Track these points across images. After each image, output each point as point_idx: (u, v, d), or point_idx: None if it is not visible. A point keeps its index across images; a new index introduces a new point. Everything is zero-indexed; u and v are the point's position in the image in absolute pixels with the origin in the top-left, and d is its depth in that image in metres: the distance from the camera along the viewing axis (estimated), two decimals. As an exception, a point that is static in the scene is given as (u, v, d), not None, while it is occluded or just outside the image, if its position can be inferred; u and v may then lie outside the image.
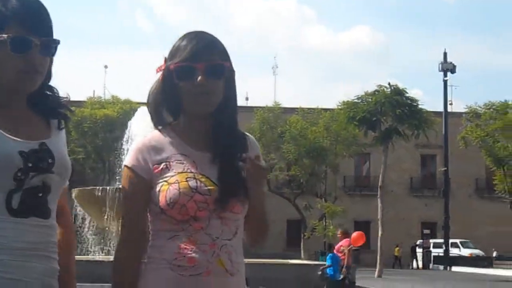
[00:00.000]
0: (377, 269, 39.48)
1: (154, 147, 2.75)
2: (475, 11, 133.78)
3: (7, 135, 2.42)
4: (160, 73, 2.80)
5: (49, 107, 2.68)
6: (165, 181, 2.65)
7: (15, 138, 2.43)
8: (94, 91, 63.19)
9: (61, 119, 2.71)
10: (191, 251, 2.59)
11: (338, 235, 25.23)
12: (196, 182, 2.64)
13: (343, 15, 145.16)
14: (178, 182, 2.63)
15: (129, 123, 33.88)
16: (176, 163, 2.70)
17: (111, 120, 47.15)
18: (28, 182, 2.41)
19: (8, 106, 2.55)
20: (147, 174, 2.70)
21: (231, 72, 2.82)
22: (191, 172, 2.67)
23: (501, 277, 41.58)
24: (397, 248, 57.59)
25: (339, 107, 45.33)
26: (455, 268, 50.74)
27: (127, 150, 30.15)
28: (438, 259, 55.60)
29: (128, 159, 2.78)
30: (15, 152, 2.40)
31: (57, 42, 2.60)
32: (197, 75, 2.65)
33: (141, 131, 28.68)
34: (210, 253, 2.60)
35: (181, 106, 2.78)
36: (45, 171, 2.47)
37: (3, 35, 2.43)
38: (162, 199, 2.63)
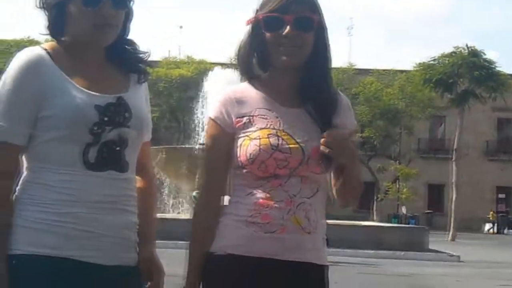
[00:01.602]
0: (450, 233, 39.42)
1: (239, 100, 2.78)
2: None
3: (82, 88, 2.50)
4: (250, 25, 2.83)
5: (129, 61, 2.73)
6: (247, 135, 2.68)
7: (90, 92, 2.50)
8: (169, 51, 63.04)
9: (140, 74, 2.75)
10: (267, 207, 2.63)
11: None
12: (278, 140, 2.65)
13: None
14: (260, 138, 2.65)
15: (203, 83, 35.21)
16: (260, 118, 2.72)
17: (185, 80, 47.47)
18: (105, 135, 2.49)
19: (85, 60, 2.61)
20: (230, 127, 2.72)
21: (322, 26, 2.77)
22: (274, 129, 2.68)
23: None
24: (491, 213, 57.16)
25: (415, 68, 45.49)
26: None
27: (201, 109, 30.72)
28: None
29: (212, 111, 2.83)
30: (90, 106, 2.47)
31: None
32: (285, 27, 2.66)
33: (215, 92, 29.59)
34: (286, 210, 2.62)
35: (269, 59, 2.79)
36: (121, 125, 2.54)
37: None
38: (242, 154, 2.67)
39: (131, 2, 2.63)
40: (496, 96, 42.94)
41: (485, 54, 42.11)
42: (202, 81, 35.94)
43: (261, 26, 2.68)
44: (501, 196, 63.13)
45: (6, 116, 2.38)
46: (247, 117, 2.68)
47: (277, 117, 2.68)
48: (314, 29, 2.67)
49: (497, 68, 42.26)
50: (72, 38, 2.53)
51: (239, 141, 2.66)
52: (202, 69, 46.35)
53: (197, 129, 32.84)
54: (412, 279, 15.19)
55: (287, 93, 2.75)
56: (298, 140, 2.62)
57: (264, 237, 2.59)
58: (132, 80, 2.67)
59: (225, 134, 2.69)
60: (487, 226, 57.09)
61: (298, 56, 2.67)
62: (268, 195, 2.61)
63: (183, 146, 26.98)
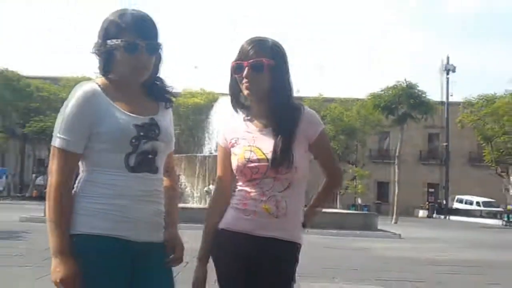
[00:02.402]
0: (393, 217, 39.29)
1: (231, 129, 2.90)
2: (471, 20, 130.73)
3: (125, 111, 2.53)
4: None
5: (158, 92, 2.74)
6: (234, 153, 2.82)
7: (131, 114, 2.54)
8: (186, 84, 60.44)
9: (167, 102, 2.77)
10: (246, 199, 2.77)
11: None
12: (250, 154, 2.76)
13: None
14: (239, 154, 2.79)
15: (212, 109, 34.84)
16: (242, 139, 2.82)
17: (199, 106, 46.57)
18: (141, 146, 2.53)
19: (128, 92, 2.62)
20: (227, 147, 2.87)
21: (277, 67, 2.77)
22: (249, 145, 2.78)
23: (488, 224, 41.78)
24: (427, 202, 57.39)
25: (368, 97, 44.82)
26: (453, 218, 50.29)
27: (210, 128, 30.69)
28: (439, 210, 55.05)
29: (218, 138, 3.01)
30: (130, 124, 2.51)
31: (160, 45, 2.66)
32: (243, 70, 2.73)
33: (221, 116, 30.85)
34: (259, 201, 2.73)
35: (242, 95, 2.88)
36: (153, 139, 2.57)
37: (119, 41, 2.52)
38: (233, 165, 2.82)
39: (160, 50, 2.65)
40: (426, 117, 42.94)
41: (418, 86, 41.73)
42: (211, 107, 35.93)
43: (233, 71, 2.77)
44: (431, 190, 63.38)
45: (70, 132, 2.44)
46: (235, 140, 2.81)
47: (253, 137, 2.76)
48: (267, 70, 2.70)
49: (427, 97, 42.00)
50: (117, 76, 2.60)
51: (232, 157, 2.80)
52: (211, 98, 46.13)
53: (207, 142, 32.67)
54: (366, 252, 15.23)
55: (261, 116, 2.80)
56: (265, 152, 2.70)
57: (243, 218, 2.73)
58: (161, 106, 2.72)
59: (226, 152, 2.85)
60: (421, 212, 56.96)
61: (255, 90, 2.73)
62: (249, 190, 2.74)
63: (197, 155, 27.14)
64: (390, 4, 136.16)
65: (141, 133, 2.51)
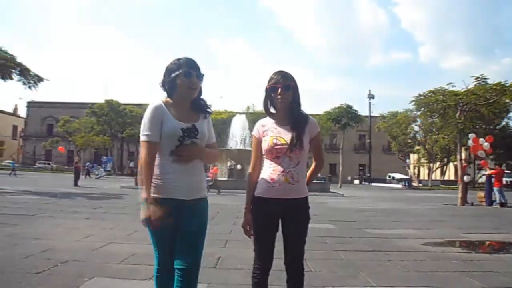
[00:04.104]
0: (339, 184, 39.78)
1: (262, 125, 2.71)
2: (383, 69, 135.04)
3: (176, 120, 2.40)
4: (265, 91, 2.68)
5: (201, 107, 2.54)
6: (265, 139, 2.65)
7: (179, 121, 2.41)
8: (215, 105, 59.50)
9: (205, 113, 2.56)
10: (272, 173, 2.61)
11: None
12: (277, 140, 2.60)
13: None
14: (269, 140, 2.62)
15: (231, 123, 34.24)
16: (271, 131, 2.66)
17: (223, 120, 44.96)
18: (185, 142, 2.41)
19: (181, 105, 2.46)
20: (260, 137, 2.69)
21: (295, 87, 2.64)
22: (276, 135, 2.62)
23: (394, 187, 43.01)
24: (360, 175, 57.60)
25: (324, 113, 45.33)
26: (374, 184, 51.22)
27: (230, 135, 30.90)
28: (366, 180, 56.18)
29: (254, 132, 2.76)
30: (178, 128, 2.39)
31: (203, 75, 2.49)
32: (277, 90, 2.61)
33: (236, 129, 31.98)
34: (281, 175, 2.58)
35: (275, 105, 2.68)
36: (193, 137, 2.43)
37: (180, 71, 2.41)
38: (263, 148, 2.64)
39: (203, 78, 2.48)
40: (358, 125, 44.16)
41: (353, 107, 43.09)
42: (231, 121, 35.35)
43: (269, 91, 2.64)
44: (361, 168, 64.29)
45: (150, 130, 2.34)
46: (265, 131, 2.67)
47: (278, 130, 2.64)
48: (291, 89, 2.62)
49: (359, 113, 43.22)
50: (178, 96, 2.47)
51: (263, 142, 2.66)
52: (231, 115, 44.48)
53: (229, 142, 32.15)
54: (323, 204, 15.23)
55: (283, 119, 2.66)
56: (286, 140, 2.60)
57: (271, 188, 2.60)
58: (201, 116, 2.53)
59: (258, 141, 2.68)
60: (356, 181, 57.85)
61: (285, 103, 2.63)
62: (274, 166, 2.62)
63: (223, 149, 26.75)
64: (326, 61, 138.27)
65: (185, 134, 2.41)
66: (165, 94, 2.51)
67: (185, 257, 2.35)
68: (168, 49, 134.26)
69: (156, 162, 2.39)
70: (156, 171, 2.37)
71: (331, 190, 26.18)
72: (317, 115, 46.13)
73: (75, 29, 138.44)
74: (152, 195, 2.31)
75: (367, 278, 4.50)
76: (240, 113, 40.53)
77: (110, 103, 57.90)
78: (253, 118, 33.20)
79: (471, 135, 18.42)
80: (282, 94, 2.60)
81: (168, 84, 2.46)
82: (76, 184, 23.38)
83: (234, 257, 5.21)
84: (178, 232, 2.39)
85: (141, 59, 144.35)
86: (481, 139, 18.37)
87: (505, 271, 5.07)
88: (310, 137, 2.66)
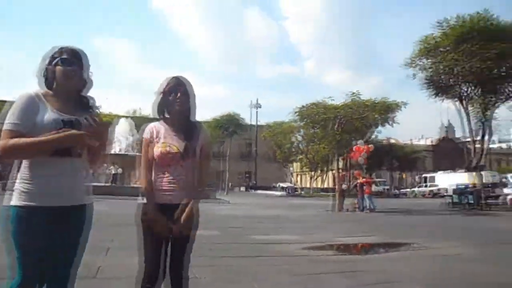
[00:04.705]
0: (226, 191, 40.43)
1: (155, 129, 2.63)
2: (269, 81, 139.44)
3: (56, 110, 2.17)
4: (161, 94, 2.61)
5: (83, 104, 2.32)
6: (157, 146, 2.58)
7: (61, 113, 2.18)
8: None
9: (88, 111, 2.32)
10: (164, 180, 2.59)
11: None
12: (170, 147, 2.56)
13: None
14: (161, 147, 2.57)
15: (115, 127, 29.18)
16: (163, 137, 2.60)
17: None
18: None
19: (61, 97, 2.24)
20: (151, 140, 2.61)
21: (193, 95, 2.63)
22: (168, 142, 2.59)
23: (279, 194, 43.37)
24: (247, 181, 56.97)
25: (212, 120, 44.73)
26: (259, 191, 51.15)
27: (115, 140, 27.01)
28: (252, 187, 56.30)
29: (144, 134, 2.65)
30: (59, 120, 2.12)
31: (88, 66, 2.31)
32: (177, 93, 2.58)
33: (120, 133, 29.39)
34: (173, 182, 2.55)
35: (169, 109, 2.64)
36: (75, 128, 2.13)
37: (59, 58, 2.22)
38: (155, 153, 2.57)
39: (89, 70, 2.30)
40: (244, 133, 45.47)
41: (240, 115, 44.48)
42: (115, 125, 30.46)
43: (167, 94, 2.61)
44: (247, 175, 63.81)
45: (19, 119, 2.06)
46: (157, 137, 2.60)
47: (171, 137, 2.60)
48: (190, 96, 2.62)
49: (245, 121, 44.75)
50: (57, 85, 2.24)
51: (155, 147, 2.59)
52: (114, 118, 37.31)
53: (113, 146, 28.33)
54: (209, 211, 14.82)
55: (176, 125, 2.63)
56: (179, 148, 2.57)
57: (163, 195, 2.56)
58: (85, 114, 2.26)
59: (150, 143, 2.61)
60: (242, 188, 57.37)
61: (183, 107, 2.61)
62: (165, 174, 2.58)
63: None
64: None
65: (67, 126, 2.14)
66: (43, 85, 2.27)
67: (60, 270, 2.19)
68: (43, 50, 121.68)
69: (26, 162, 2.10)
70: (25, 173, 2.09)
71: (217, 197, 26.43)
72: (206, 121, 46.39)
73: None
74: (22, 203, 2.05)
75: (252, 283, 4.66)
76: (126, 117, 38.09)
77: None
78: (139, 122, 31.89)
79: (360, 142, 20.29)
80: (181, 98, 2.58)
81: (47, 72, 2.23)
82: None
83: (115, 266, 5.11)
84: (53, 243, 2.13)
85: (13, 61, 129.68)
86: (362, 147, 19.91)
87: (373, 270, 5.68)
88: (201, 145, 2.64)
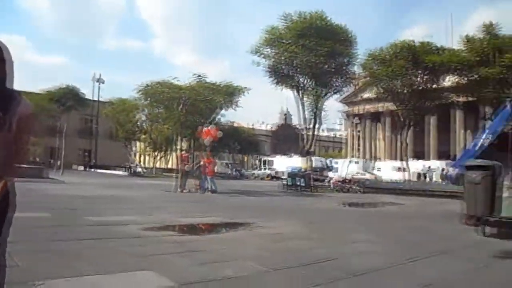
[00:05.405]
0: (61, 170, 36.10)
1: None
2: None
3: None
4: None
5: None
6: None
7: None
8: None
9: None
10: None
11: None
12: None
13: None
14: None
15: None
16: None
17: None
18: None
19: None
20: None
21: (10, 61, 2.25)
22: None
23: (119, 174, 42.36)
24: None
25: (45, 93, 42.97)
26: (99, 170, 48.73)
27: None
28: (92, 166, 53.54)
29: None
30: None
31: None
32: None
33: None
34: None
35: None
36: None
37: None
38: None
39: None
40: (84, 109, 44.22)
41: (80, 90, 42.44)
42: None
43: None
44: (86, 154, 59.41)
45: None
46: None
47: None
48: (4, 62, 2.23)
49: (86, 97, 42.93)
50: None
51: None
52: None
53: None
54: (38, 191, 14.11)
55: None
56: None
57: None
58: None
59: None
60: (79, 167, 53.39)
61: None
62: None
63: None
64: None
65: None
66: None
67: None
68: None
69: None
70: None
71: (50, 176, 24.91)
72: (38, 94, 42.25)
73: None
74: None
75: (86, 267, 4.42)
76: None
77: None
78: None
79: (212, 126, 20.67)
80: None
81: None
82: None
83: None
84: None
85: None
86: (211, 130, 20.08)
87: (211, 249, 5.97)
88: (19, 118, 2.24)
